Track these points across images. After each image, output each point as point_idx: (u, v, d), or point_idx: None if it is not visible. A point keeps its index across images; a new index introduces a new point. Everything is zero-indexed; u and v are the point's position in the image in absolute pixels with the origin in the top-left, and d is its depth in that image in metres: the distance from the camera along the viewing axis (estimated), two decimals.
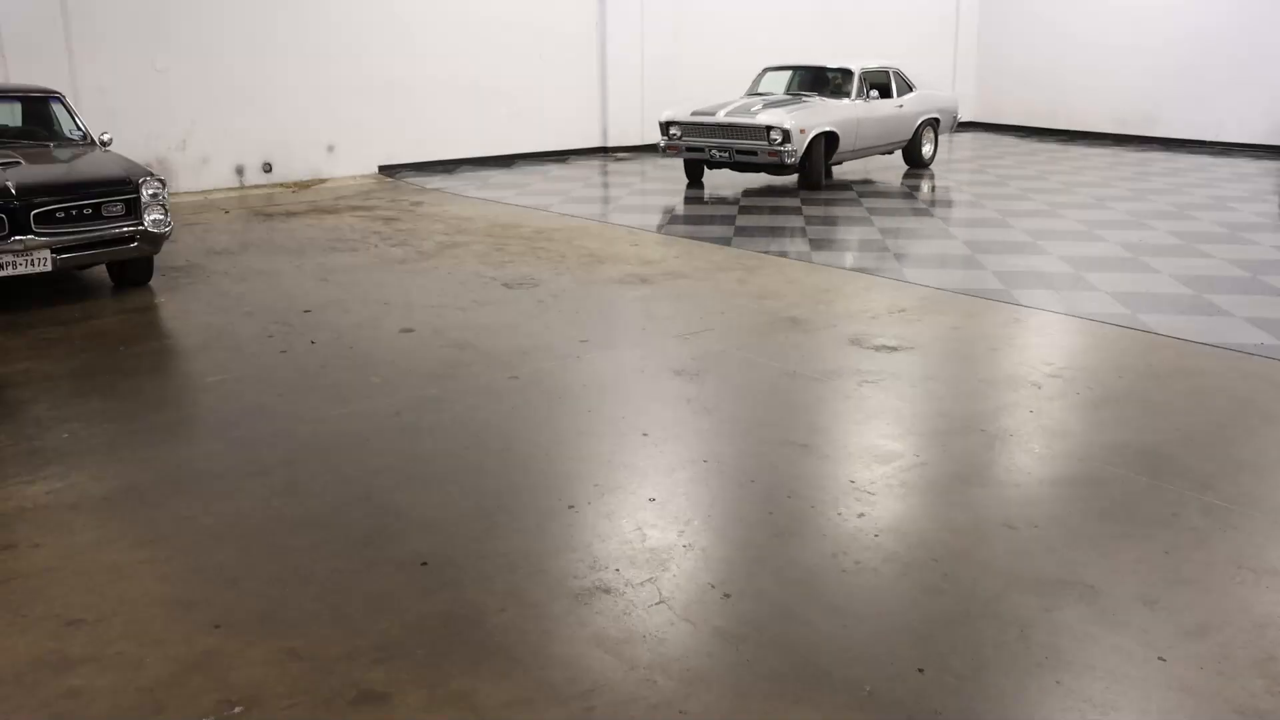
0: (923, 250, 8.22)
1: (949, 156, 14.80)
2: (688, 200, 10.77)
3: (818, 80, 12.21)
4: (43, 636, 2.94)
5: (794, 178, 11.48)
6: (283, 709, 2.62)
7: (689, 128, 11.16)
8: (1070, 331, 6.01)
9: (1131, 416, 4.64)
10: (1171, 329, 6.00)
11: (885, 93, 12.11)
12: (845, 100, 11.57)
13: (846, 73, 11.91)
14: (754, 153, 10.69)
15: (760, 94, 12.15)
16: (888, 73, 12.25)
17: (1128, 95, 16.40)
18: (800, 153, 10.64)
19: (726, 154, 10.86)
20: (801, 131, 10.59)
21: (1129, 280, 7.19)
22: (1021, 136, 17.26)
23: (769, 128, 10.55)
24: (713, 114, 11.00)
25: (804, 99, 11.59)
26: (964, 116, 18.82)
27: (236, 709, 2.62)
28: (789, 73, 12.54)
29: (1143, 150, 15.27)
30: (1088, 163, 13.84)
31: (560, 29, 13.73)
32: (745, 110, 10.98)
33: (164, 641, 2.91)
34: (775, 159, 10.64)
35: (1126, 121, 16.49)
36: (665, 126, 11.36)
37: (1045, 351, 5.62)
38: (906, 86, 12.45)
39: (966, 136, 17.50)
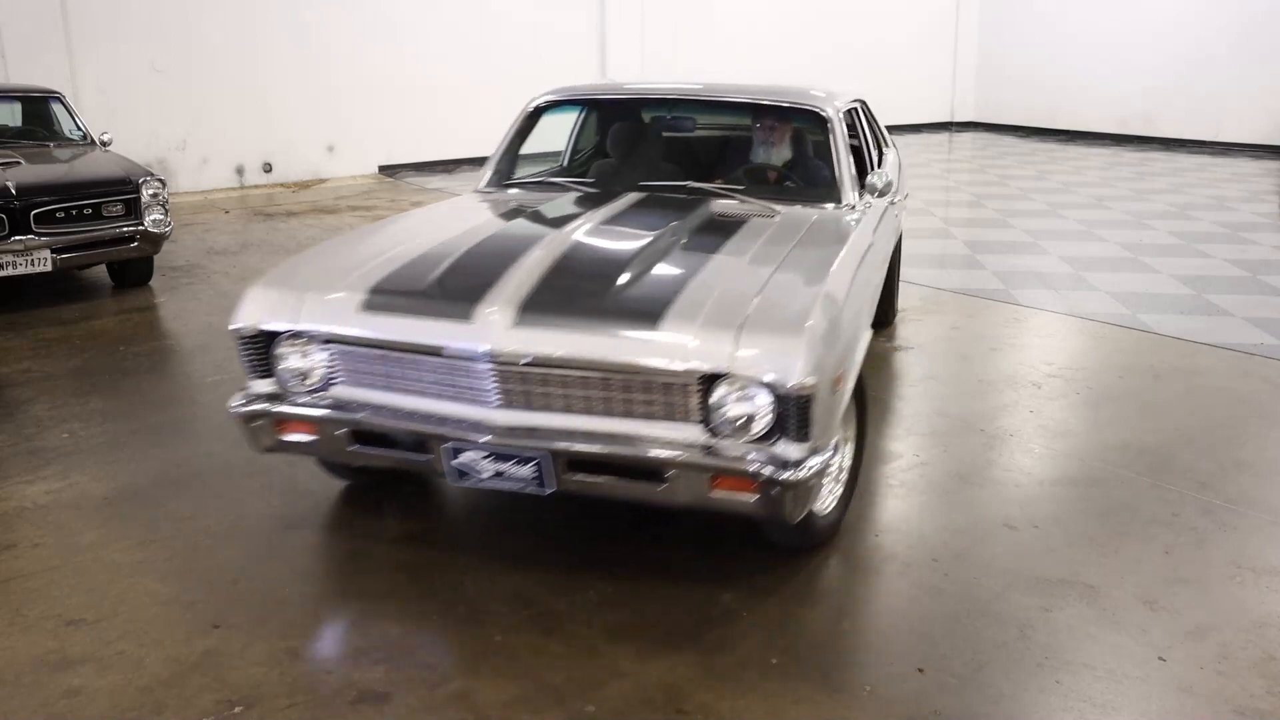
0: (923, 250, 8.22)
1: (949, 157, 14.80)
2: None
3: (726, 142, 5.00)
4: (43, 636, 2.94)
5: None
6: (283, 709, 2.62)
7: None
8: (1070, 331, 6.01)
9: (1131, 416, 4.64)
10: (1171, 329, 6.00)
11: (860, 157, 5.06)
12: (849, 213, 4.08)
13: (818, 122, 4.43)
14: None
15: (553, 184, 4.79)
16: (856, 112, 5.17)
17: (1128, 95, 16.40)
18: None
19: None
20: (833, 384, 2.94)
21: (1129, 280, 7.19)
22: (1021, 136, 17.25)
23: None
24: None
25: (731, 245, 3.52)
26: (964, 116, 18.90)
27: (236, 709, 2.62)
28: (609, 121, 5.32)
29: (1143, 150, 15.26)
30: (1088, 163, 13.84)
31: (560, 29, 13.73)
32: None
33: (164, 641, 2.91)
34: (768, 512, 2.82)
35: (1126, 121, 16.49)
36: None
37: (1045, 351, 5.62)
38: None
39: (966, 136, 17.50)
